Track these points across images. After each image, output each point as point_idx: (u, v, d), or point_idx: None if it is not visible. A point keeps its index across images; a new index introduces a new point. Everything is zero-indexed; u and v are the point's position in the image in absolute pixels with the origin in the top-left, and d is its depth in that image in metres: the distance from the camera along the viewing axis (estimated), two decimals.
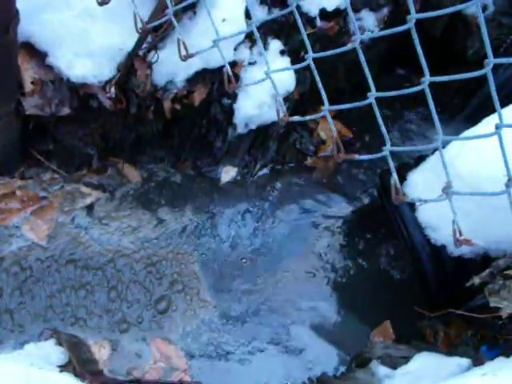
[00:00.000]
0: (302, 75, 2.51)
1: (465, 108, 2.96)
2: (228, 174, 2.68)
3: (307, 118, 1.23)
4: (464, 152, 1.95)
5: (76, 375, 1.87)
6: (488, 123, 1.97)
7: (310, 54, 1.16)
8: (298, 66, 1.22)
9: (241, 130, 2.48)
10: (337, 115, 2.87)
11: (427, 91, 1.06)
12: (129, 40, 2.10)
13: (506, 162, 1.05)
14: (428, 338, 2.31)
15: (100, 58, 2.14)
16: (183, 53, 1.39)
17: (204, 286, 2.42)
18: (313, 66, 1.17)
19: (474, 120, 2.12)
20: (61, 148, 2.46)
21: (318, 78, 1.16)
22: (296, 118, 1.25)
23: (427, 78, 1.03)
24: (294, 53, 2.43)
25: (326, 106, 1.17)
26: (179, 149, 2.64)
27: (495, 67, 2.79)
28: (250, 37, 2.30)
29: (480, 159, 1.88)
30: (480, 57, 2.81)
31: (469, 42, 2.91)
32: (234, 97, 2.40)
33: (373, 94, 1.10)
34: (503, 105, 1.91)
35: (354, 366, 2.23)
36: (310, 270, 2.53)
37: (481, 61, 0.98)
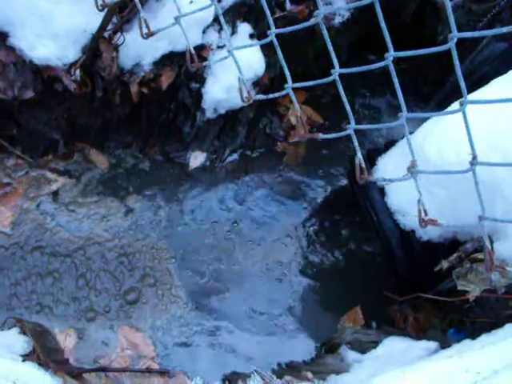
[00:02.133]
0: (271, 59, 2.48)
1: (435, 95, 2.96)
2: (197, 159, 2.64)
3: (270, 95, 1.20)
4: (432, 136, 1.95)
5: (40, 364, 1.83)
6: (456, 106, 1.96)
7: (273, 30, 1.14)
8: (260, 42, 1.19)
9: (209, 114, 2.45)
10: (308, 101, 2.85)
11: (391, 67, 1.04)
12: (94, 21, 2.05)
13: (470, 139, 1.04)
14: (398, 322, 2.32)
15: (64, 40, 2.08)
16: (145, 31, 1.35)
17: (172, 270, 2.39)
18: (275, 42, 1.14)
19: (444, 106, 2.12)
20: (25, 133, 2.40)
21: (280, 56, 1.13)
22: (259, 97, 1.22)
23: (391, 54, 1.01)
24: (263, 36, 2.39)
25: (289, 84, 1.15)
26: (147, 134, 2.59)
27: (464, 52, 2.76)
28: (218, 20, 2.26)
29: (448, 143, 1.87)
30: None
31: (439, 28, 2.90)
32: (202, 81, 2.36)
33: (336, 71, 1.08)
34: (474, 89, 1.92)
35: (323, 352, 2.23)
36: (280, 256, 2.51)
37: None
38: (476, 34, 0.93)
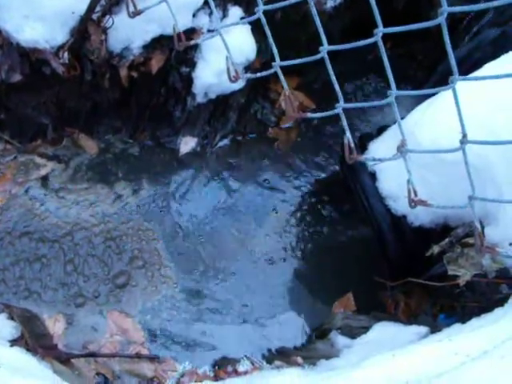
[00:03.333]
0: (263, 44, 2.45)
1: (429, 80, 2.95)
2: (187, 144, 2.62)
3: (258, 74, 1.18)
4: (423, 121, 1.94)
5: (28, 350, 1.82)
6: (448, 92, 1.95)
7: (261, 7, 1.11)
8: (248, 19, 1.17)
9: (200, 99, 2.43)
10: (300, 87, 2.83)
11: (380, 44, 1.02)
12: (82, 3, 2.01)
13: (460, 117, 1.02)
14: (389, 308, 2.32)
15: (52, 22, 2.05)
16: (131, 9, 1.33)
17: (164, 260, 2.38)
18: (263, 20, 1.12)
19: (435, 92, 2.11)
20: (13, 117, 2.38)
21: (268, 33, 1.12)
22: (247, 76, 1.21)
23: (380, 30, 0.99)
24: (254, 20, 2.37)
25: (277, 62, 1.13)
26: (137, 119, 2.56)
27: (458, 39, 2.72)
28: (209, 3, 2.23)
29: (439, 127, 1.86)
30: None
31: (432, 15, 2.88)
32: (192, 65, 2.33)
33: (325, 48, 1.07)
34: (467, 75, 1.91)
35: (314, 338, 2.23)
36: (270, 242, 2.49)
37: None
38: (466, 8, 0.91)
